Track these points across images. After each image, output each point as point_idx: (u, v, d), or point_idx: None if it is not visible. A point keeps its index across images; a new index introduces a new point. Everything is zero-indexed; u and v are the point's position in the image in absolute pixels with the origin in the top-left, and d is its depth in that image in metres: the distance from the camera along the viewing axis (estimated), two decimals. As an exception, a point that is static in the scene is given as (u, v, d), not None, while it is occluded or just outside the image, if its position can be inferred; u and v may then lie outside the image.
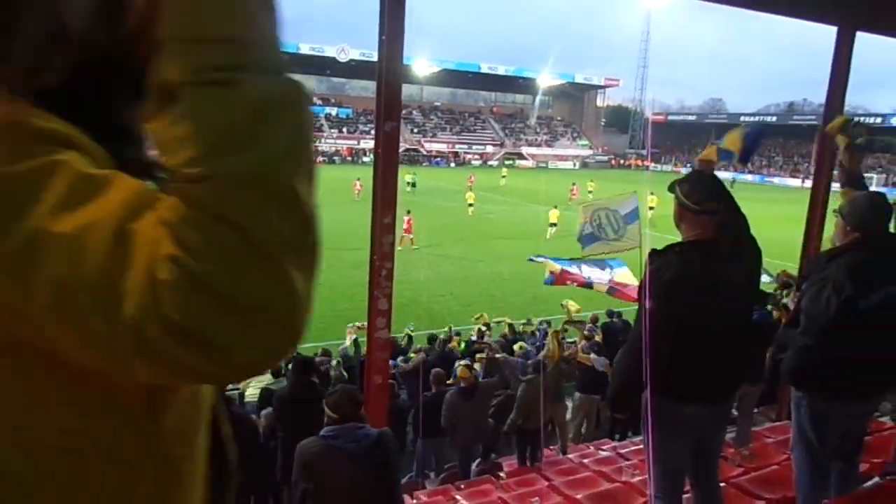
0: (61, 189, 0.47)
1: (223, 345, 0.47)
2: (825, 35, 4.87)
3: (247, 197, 0.47)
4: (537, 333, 10.98)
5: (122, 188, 0.49)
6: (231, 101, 0.48)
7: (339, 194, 27.19)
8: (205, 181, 0.47)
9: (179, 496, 0.66)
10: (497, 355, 8.05)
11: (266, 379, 7.79)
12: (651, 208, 18.75)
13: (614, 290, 9.53)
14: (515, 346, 9.42)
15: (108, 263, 0.46)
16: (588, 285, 9.87)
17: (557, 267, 9.79)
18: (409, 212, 20.46)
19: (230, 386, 7.57)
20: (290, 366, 5.86)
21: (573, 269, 9.70)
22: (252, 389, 7.76)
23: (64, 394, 0.55)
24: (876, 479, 3.29)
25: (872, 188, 3.35)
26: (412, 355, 8.61)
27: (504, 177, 44.64)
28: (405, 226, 20.51)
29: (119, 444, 0.59)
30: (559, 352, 6.87)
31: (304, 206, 0.50)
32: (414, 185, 34.99)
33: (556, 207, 23.80)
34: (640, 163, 69.82)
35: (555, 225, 22.94)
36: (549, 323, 11.22)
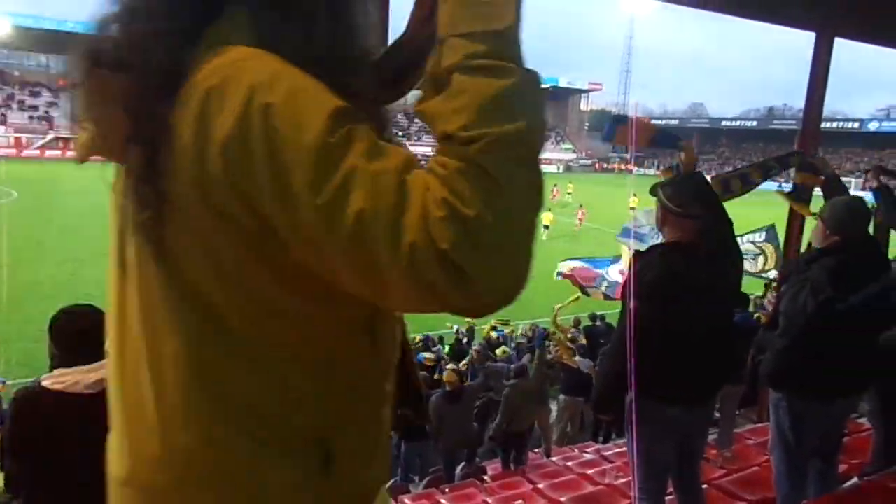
0: (362, 147, 0.61)
1: (473, 275, 0.58)
2: (805, 41, 4.94)
3: (506, 157, 0.60)
4: (516, 337, 11.00)
5: (399, 151, 0.63)
6: (495, 82, 0.61)
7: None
8: (476, 142, 0.59)
9: (387, 406, 0.90)
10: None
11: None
12: (632, 208, 19.06)
13: (610, 297, 9.67)
14: (497, 351, 9.43)
15: (394, 203, 0.58)
16: (585, 291, 10.04)
17: (571, 266, 10.05)
18: None
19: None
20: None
21: (597, 270, 9.94)
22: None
23: (330, 317, 0.74)
24: (854, 479, 3.33)
25: (850, 192, 3.41)
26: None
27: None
28: None
29: (355, 355, 0.80)
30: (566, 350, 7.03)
31: (541, 172, 0.63)
32: None
33: (549, 210, 23.92)
34: (623, 166, 70.32)
35: (547, 227, 23.03)
36: (532, 328, 11.23)
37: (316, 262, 0.65)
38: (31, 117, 53.53)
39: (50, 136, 52.45)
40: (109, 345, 0.84)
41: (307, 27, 0.72)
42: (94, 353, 2.29)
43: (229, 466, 0.74)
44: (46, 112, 54.65)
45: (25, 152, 49.52)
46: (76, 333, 2.30)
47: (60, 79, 59.13)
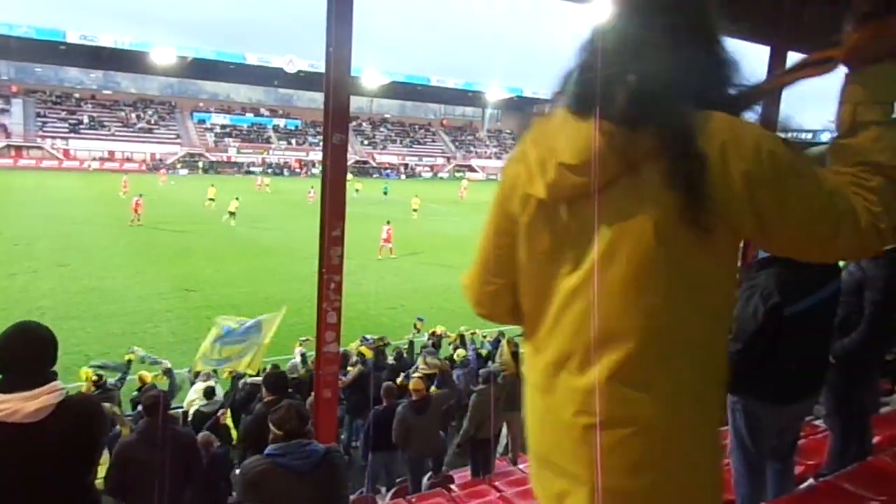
0: (824, 173, 1.06)
1: (888, 240, 1.03)
2: (760, 54, 5.08)
3: None
4: (480, 342, 11.01)
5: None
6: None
7: (294, 207, 26.33)
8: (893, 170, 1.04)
9: None
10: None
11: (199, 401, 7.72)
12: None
13: None
14: (455, 355, 9.41)
15: (852, 205, 1.02)
16: None
17: None
18: (388, 222, 20.43)
19: (173, 404, 7.35)
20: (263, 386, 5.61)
21: None
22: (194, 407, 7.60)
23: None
24: (811, 481, 3.41)
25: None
26: (349, 368, 8.43)
27: (465, 188, 44.85)
28: (385, 235, 20.51)
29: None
30: (514, 363, 6.65)
31: None
32: (386, 193, 37.45)
33: None
34: (587, 175, 70.84)
35: None
36: (503, 333, 11.26)
37: (787, 240, 1.08)
38: (-19, 125, 51.69)
39: (1, 145, 50.79)
40: (549, 345, 1.17)
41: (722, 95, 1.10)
42: (36, 374, 2.15)
43: (712, 398, 1.14)
44: (-2, 119, 52.89)
45: (-24, 160, 47.81)
46: (16, 352, 2.15)
47: (12, 85, 57.48)
